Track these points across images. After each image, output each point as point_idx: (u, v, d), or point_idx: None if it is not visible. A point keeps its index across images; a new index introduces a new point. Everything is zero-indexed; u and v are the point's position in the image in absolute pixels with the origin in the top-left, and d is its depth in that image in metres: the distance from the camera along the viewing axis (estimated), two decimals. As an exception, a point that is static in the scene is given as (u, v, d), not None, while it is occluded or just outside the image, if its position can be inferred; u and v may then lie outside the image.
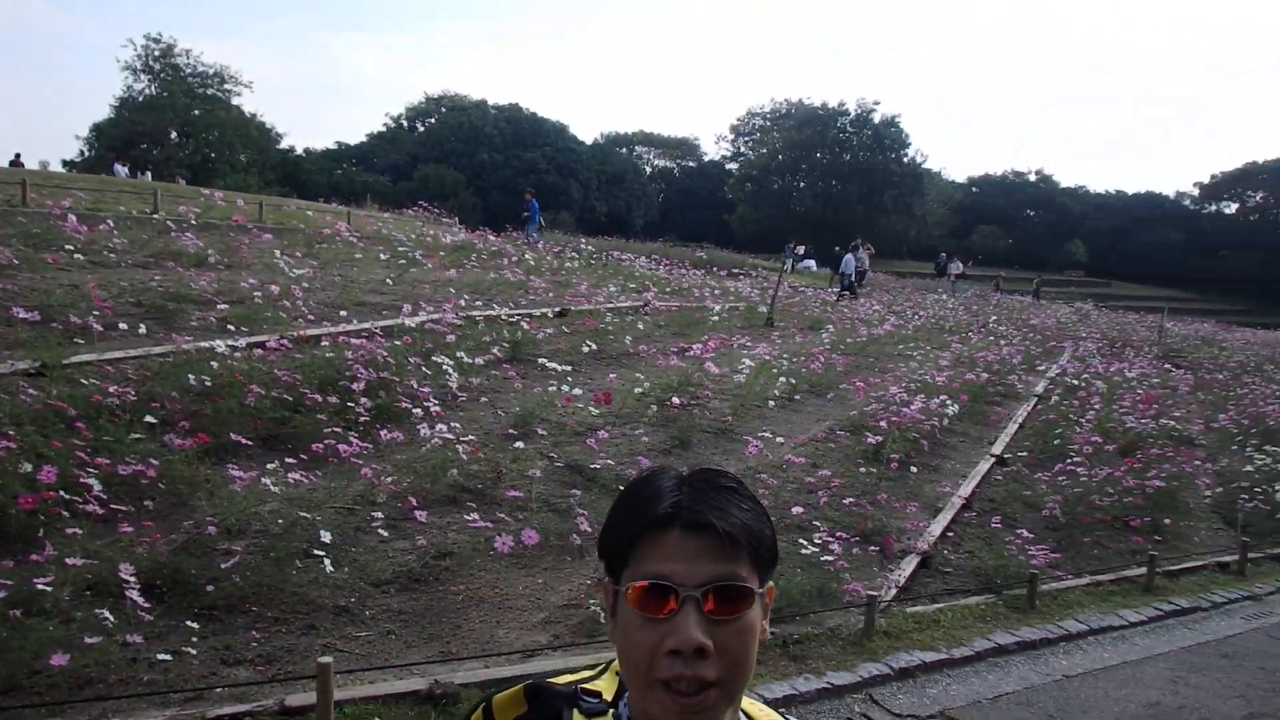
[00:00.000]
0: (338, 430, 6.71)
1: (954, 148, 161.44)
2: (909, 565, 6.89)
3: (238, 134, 52.55)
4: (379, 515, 5.79)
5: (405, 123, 67.96)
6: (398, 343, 8.72)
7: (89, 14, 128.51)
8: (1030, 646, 6.12)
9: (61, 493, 5.02)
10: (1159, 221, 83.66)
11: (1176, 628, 7.02)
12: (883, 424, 9.19)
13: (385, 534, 5.72)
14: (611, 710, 1.09)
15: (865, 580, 6.32)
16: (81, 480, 5.19)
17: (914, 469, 8.76)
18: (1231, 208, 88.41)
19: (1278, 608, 7.90)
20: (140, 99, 51.59)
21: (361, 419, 7.07)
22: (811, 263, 34.31)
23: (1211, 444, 12.61)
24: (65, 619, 4.25)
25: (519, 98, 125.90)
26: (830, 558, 6.24)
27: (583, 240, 24.64)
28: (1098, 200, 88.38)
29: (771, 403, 9.87)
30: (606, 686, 1.13)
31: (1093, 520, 8.59)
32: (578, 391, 8.28)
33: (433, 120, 66.00)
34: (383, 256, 13.40)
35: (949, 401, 10.44)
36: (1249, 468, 11.24)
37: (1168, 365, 19.01)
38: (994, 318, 21.56)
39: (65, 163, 47.11)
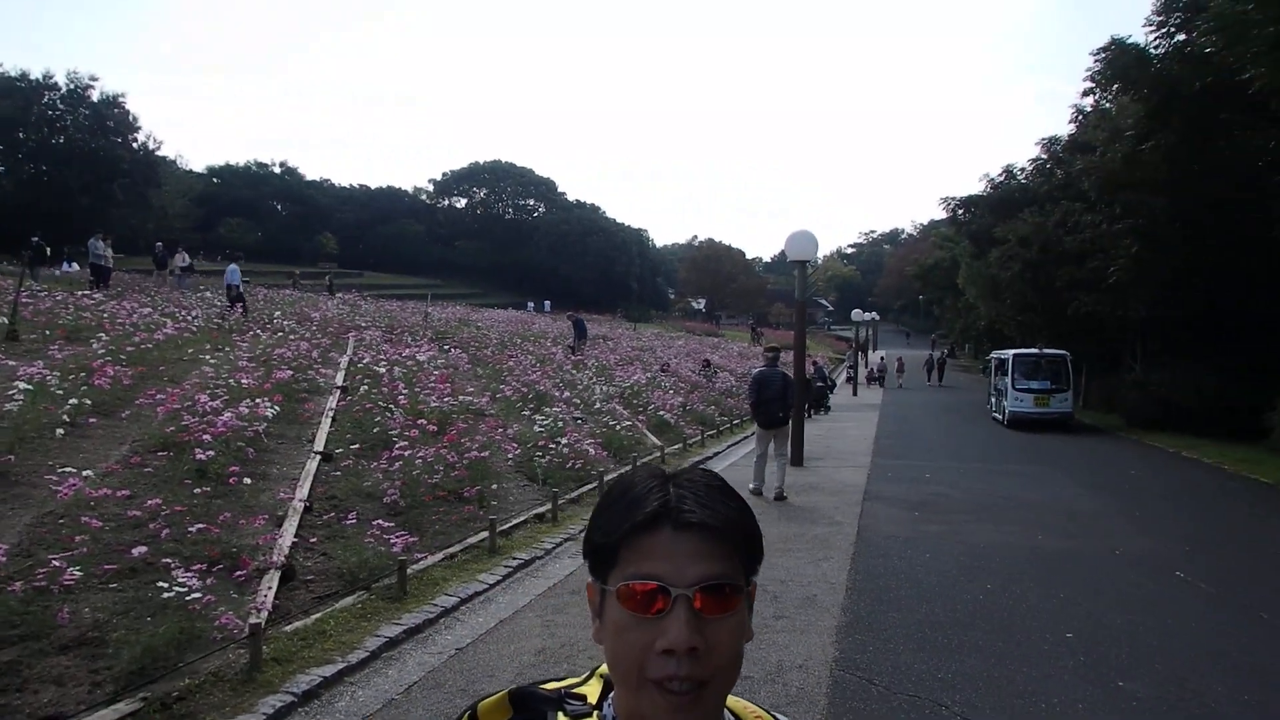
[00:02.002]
0: None
1: (191, 135, 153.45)
2: (272, 582, 6.42)
3: None
4: None
5: None
6: None
7: None
8: (416, 631, 6.17)
9: None
10: (402, 214, 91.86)
11: (526, 579, 7.75)
12: (206, 436, 8.38)
13: None
14: (596, 712, 1.07)
15: (235, 609, 5.71)
16: None
17: (247, 480, 8.16)
18: (461, 202, 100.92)
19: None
20: None
21: None
22: (74, 265, 29.62)
23: (501, 412, 14.21)
24: None
25: None
26: (188, 594, 5.48)
27: None
28: (343, 194, 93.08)
29: (60, 430, 8.30)
30: (591, 690, 1.11)
31: (432, 498, 9.02)
32: None
33: None
34: None
35: (267, 403, 9.98)
36: (537, 429, 12.98)
37: (445, 347, 20.83)
38: (278, 313, 21.21)
39: None
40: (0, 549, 5.62)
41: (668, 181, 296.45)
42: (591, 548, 1.04)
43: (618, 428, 15.42)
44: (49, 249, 26.82)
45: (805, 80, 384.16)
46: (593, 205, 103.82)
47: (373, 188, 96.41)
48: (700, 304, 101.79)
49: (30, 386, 8.73)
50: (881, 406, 32.27)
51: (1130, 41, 21.04)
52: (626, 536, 0.99)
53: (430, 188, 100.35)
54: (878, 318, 66.57)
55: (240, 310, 21.23)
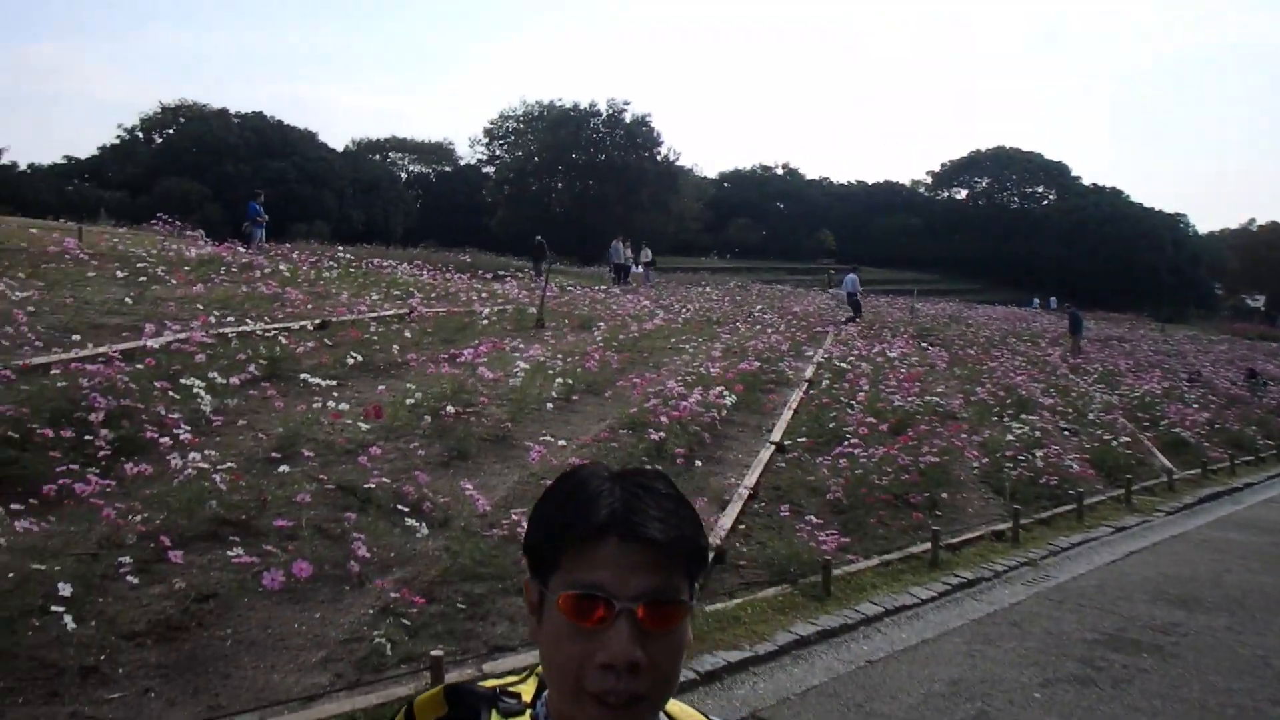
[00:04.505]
0: (74, 468, 5.91)
1: (705, 144, 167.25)
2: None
3: (-55, 152, 47.20)
4: (129, 559, 5.14)
5: (140, 134, 62.80)
6: (140, 366, 7.78)
7: None
8: (831, 634, 6.17)
9: None
10: (898, 208, 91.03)
11: (965, 600, 7.30)
12: (663, 419, 9.15)
13: (137, 579, 5.07)
14: (529, 710, 1.07)
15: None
16: None
17: (698, 462, 8.77)
18: (961, 193, 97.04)
19: (1053, 571, 8.40)
20: None
21: (103, 453, 6.28)
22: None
23: (973, 416, 13.44)
24: None
25: (263, 105, 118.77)
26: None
27: (340, 248, 23.35)
28: (841, 190, 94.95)
29: (550, 405, 9.63)
30: (527, 690, 1.11)
31: (875, 500, 8.88)
32: (344, 407, 7.70)
33: (171, 131, 61.53)
34: (120, 274, 12.10)
35: (726, 392, 10.59)
36: (1009, 437, 12.05)
37: (924, 344, 20.36)
38: (759, 307, 22.44)
39: None
40: (487, 501, 6.69)
41: (1212, 157, 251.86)
42: (532, 547, 1.03)
43: (1114, 443, 13.73)
44: (546, 247, 30.66)
45: None
46: (1113, 189, 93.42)
47: (869, 183, 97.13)
48: (1258, 301, 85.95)
49: (528, 367, 10.23)
50: None
51: None
52: (571, 542, 0.97)
53: (929, 180, 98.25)
54: None
55: (855, 316, 23.30)
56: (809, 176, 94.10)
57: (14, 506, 5.36)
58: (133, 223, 23.39)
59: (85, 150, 65.18)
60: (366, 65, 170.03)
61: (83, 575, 4.96)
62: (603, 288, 22.29)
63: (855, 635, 6.29)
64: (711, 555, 6.85)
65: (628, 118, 67.63)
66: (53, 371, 7.34)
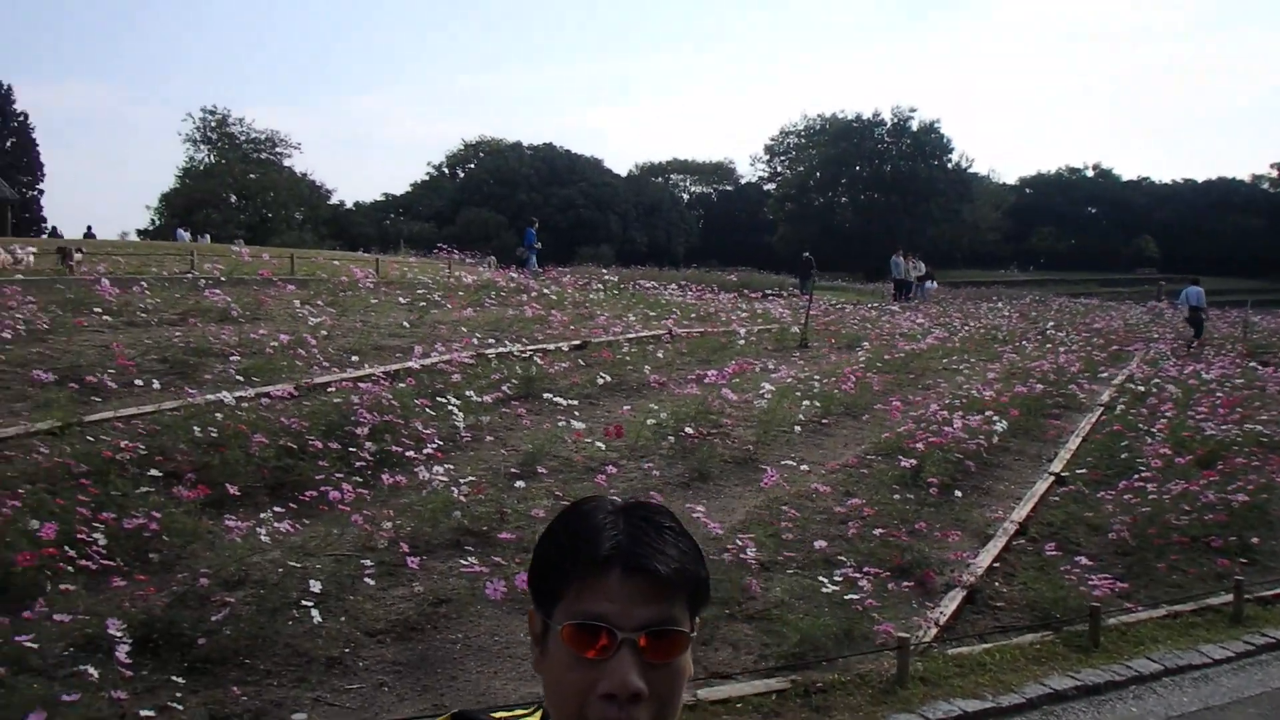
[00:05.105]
0: (339, 476, 6.57)
1: (1003, 148, 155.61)
2: (952, 601, 6.22)
3: (291, 193, 56.09)
4: (377, 562, 5.62)
5: (446, 170, 69.75)
6: (403, 385, 8.43)
7: (153, 93, 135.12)
8: (1093, 691, 5.40)
9: (67, 549, 5.12)
10: (1235, 208, 79.63)
11: (1271, 664, 6.14)
12: (919, 445, 8.50)
13: (382, 581, 5.53)
14: None
15: (901, 620, 5.71)
16: (83, 536, 5.27)
17: (958, 493, 8.03)
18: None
19: (1393, 639, 6.95)
20: (200, 167, 56.11)
21: (363, 464, 6.91)
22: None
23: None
24: (50, 676, 4.29)
25: (554, 136, 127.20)
26: (857, 595, 5.62)
27: (605, 271, 24.26)
28: (1164, 191, 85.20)
29: (798, 428, 9.26)
30: None
31: (1167, 542, 7.65)
32: (580, 425, 7.89)
33: (471, 165, 67.70)
34: (403, 300, 13.26)
35: (996, 417, 9.69)
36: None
37: (1254, 364, 17.70)
38: (1051, 324, 20.58)
39: (139, 231, 50.86)
40: (718, 525, 6.49)
41: None
42: (536, 578, 1.05)
43: None
44: (813, 263, 29.84)
45: None
46: None
47: (1199, 181, 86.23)
48: None
49: (774, 388, 9.91)
50: None
51: None
52: (575, 574, 0.98)
53: (1274, 174, 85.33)
54: None
55: (1196, 339, 20.17)
56: (1125, 177, 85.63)
57: (279, 510, 5.99)
58: (430, 252, 25.77)
59: (400, 187, 73.32)
60: (649, 90, 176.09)
61: (334, 575, 5.44)
62: (875, 304, 21.46)
63: (1123, 694, 5.46)
64: (963, 592, 6.27)
65: (914, 125, 65.35)
66: (330, 389, 8.18)
